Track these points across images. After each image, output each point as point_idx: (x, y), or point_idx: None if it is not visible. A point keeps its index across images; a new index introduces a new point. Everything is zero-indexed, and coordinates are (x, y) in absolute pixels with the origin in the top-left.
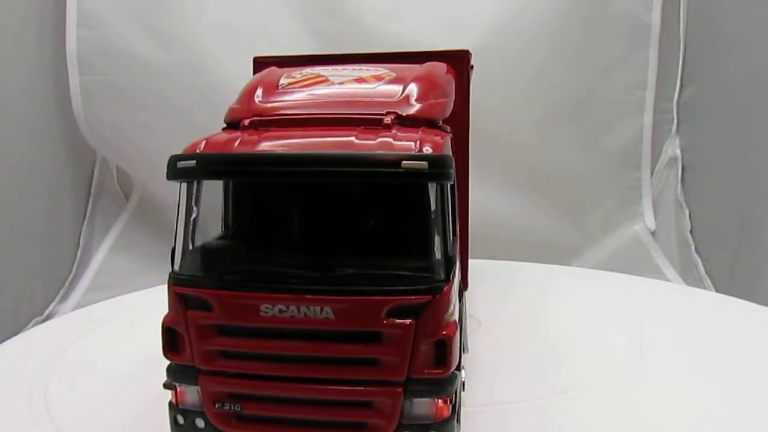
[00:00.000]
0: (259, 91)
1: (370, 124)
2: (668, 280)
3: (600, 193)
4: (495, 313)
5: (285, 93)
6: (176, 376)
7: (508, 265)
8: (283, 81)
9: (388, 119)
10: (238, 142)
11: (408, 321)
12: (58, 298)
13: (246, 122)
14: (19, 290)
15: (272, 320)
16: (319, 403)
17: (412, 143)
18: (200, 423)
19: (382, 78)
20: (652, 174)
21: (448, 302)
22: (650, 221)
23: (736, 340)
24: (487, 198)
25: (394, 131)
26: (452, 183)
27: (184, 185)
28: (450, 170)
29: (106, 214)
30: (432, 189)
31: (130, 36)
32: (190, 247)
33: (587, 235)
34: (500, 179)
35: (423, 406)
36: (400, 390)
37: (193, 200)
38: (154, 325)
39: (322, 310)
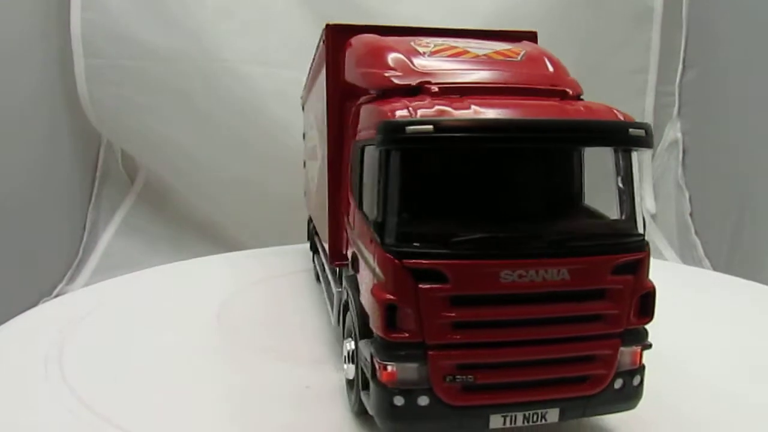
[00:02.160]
0: (409, 58)
1: (551, 95)
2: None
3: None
4: None
5: (440, 61)
6: (393, 355)
7: None
8: (421, 49)
9: (570, 91)
10: (450, 108)
11: (629, 276)
12: (65, 281)
13: (434, 88)
14: (26, 273)
15: (512, 286)
16: (548, 363)
17: (616, 113)
18: (423, 401)
19: (517, 53)
20: (653, 157)
21: (650, 258)
22: (650, 204)
23: (731, 313)
24: None
25: (580, 102)
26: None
27: (396, 154)
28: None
29: (111, 197)
30: (636, 156)
31: (135, 20)
32: (400, 220)
33: None
34: None
35: (629, 354)
36: (619, 341)
37: (404, 169)
38: (158, 302)
39: (558, 272)
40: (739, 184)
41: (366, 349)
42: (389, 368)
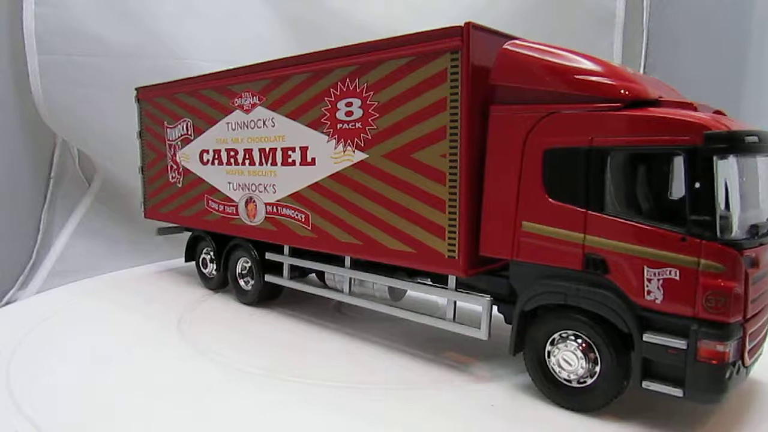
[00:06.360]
0: (625, 73)
1: (701, 109)
2: None
3: None
4: None
5: (635, 77)
6: (731, 335)
7: None
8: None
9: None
10: (725, 120)
11: None
12: (18, 284)
13: (694, 103)
14: None
15: (766, 265)
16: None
17: None
18: (737, 368)
19: (633, 70)
20: None
21: None
22: None
23: None
24: None
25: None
26: None
27: (728, 161)
28: None
29: (67, 198)
30: None
31: (93, 15)
32: (734, 217)
33: None
34: None
35: None
36: None
37: (730, 174)
38: (118, 311)
39: None
40: None
41: (670, 339)
42: (724, 348)
